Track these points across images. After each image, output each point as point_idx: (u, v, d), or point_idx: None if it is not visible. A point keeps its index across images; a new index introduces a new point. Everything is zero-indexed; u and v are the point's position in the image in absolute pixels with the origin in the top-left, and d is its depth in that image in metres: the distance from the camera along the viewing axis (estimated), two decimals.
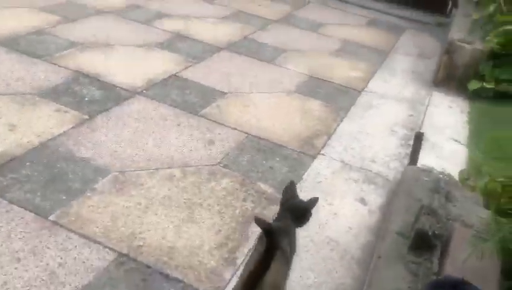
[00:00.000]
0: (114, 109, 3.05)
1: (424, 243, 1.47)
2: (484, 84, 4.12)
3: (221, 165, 2.69)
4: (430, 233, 1.47)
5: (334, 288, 1.98)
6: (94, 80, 3.36)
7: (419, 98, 4.08)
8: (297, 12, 5.93)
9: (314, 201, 1.75)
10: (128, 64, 3.72)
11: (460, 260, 1.37)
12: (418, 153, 2.55)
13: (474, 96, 4.14)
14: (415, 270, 1.38)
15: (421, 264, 1.42)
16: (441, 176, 2.20)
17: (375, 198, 2.62)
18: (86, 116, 2.90)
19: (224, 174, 2.60)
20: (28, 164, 2.39)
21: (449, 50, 4.27)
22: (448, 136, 3.45)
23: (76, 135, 2.70)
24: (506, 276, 1.42)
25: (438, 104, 4.00)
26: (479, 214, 1.75)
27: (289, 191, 1.82)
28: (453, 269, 1.35)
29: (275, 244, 1.41)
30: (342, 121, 3.44)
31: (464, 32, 4.53)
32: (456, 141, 3.38)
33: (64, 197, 2.21)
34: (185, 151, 2.75)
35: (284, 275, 1.60)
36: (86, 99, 3.10)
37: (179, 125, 3.01)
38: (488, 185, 1.95)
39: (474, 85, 4.14)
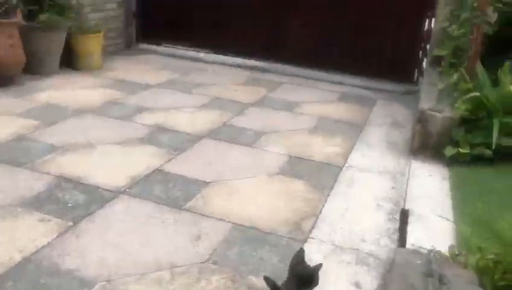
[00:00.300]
0: (98, 212, 3.02)
1: None
2: (459, 149, 4.24)
3: (210, 261, 2.64)
4: None
5: None
6: (76, 183, 3.36)
7: (399, 168, 4.16)
8: (272, 94, 6.13)
9: (319, 266, 2.01)
10: (110, 163, 3.74)
11: None
12: (406, 233, 2.56)
13: (452, 162, 4.24)
14: None
15: None
16: (432, 254, 2.20)
17: (370, 280, 2.58)
18: (70, 223, 2.86)
19: (214, 272, 2.55)
20: (10, 283, 2.31)
21: (421, 119, 4.43)
22: (433, 206, 3.48)
23: (61, 245, 2.64)
24: None
25: (419, 174, 4.07)
26: None
27: (297, 257, 2.04)
28: None
29: None
30: (326, 200, 3.46)
31: (433, 101, 4.72)
32: (441, 211, 3.40)
33: None
34: (172, 250, 2.70)
35: None
36: (69, 205, 3.07)
37: (164, 222, 2.98)
38: (479, 262, 1.95)
39: (450, 151, 4.26)
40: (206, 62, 7.40)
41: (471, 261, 2.02)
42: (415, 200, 3.58)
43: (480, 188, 3.83)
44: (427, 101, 4.71)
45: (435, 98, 4.84)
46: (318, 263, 2.00)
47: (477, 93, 4.34)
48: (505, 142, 4.23)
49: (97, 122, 4.60)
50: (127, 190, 3.34)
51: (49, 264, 2.48)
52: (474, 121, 4.34)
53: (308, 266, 2.00)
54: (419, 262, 1.91)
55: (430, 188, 3.81)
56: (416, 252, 1.98)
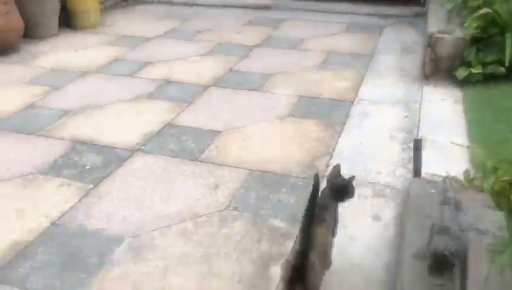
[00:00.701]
0: (116, 171, 3.08)
1: (443, 264, 1.47)
2: (471, 70, 4.14)
3: (230, 208, 2.70)
4: (446, 253, 1.48)
5: None
6: (91, 145, 3.40)
7: (411, 96, 4.10)
8: (276, 32, 5.99)
9: (351, 178, 2.10)
10: (122, 122, 3.77)
11: (481, 274, 1.38)
12: (420, 162, 2.56)
13: (464, 84, 4.16)
14: None
15: (444, 286, 1.42)
16: (447, 181, 2.21)
17: (388, 211, 2.62)
18: (91, 185, 2.93)
19: (235, 218, 2.61)
20: (41, 248, 2.41)
21: (431, 43, 4.31)
22: (447, 131, 3.46)
23: (84, 207, 2.73)
24: None
25: (431, 99, 4.02)
26: (491, 218, 1.76)
27: (334, 171, 2.12)
28: (476, 286, 1.36)
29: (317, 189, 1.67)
30: (340, 136, 3.46)
31: (442, 22, 4.57)
32: (455, 135, 3.38)
33: (83, 276, 2.23)
34: (193, 201, 2.76)
35: (329, 241, 1.91)
36: (87, 167, 3.13)
37: (181, 175, 3.03)
38: (494, 185, 1.96)
39: (462, 73, 4.17)
40: (206, 6, 7.21)
41: (486, 184, 2.03)
42: (428, 127, 3.55)
43: (494, 108, 3.77)
44: (435, 24, 4.56)
45: (443, 19, 4.68)
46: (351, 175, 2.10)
47: (488, 10, 4.17)
48: None
49: (103, 81, 4.59)
50: (142, 147, 3.38)
51: (76, 226, 2.57)
52: (485, 39, 4.21)
53: (344, 178, 2.09)
54: (434, 191, 1.93)
55: (444, 113, 3.77)
56: (431, 181, 1.99)
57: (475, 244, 1.50)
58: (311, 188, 1.70)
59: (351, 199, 2.12)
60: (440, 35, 4.27)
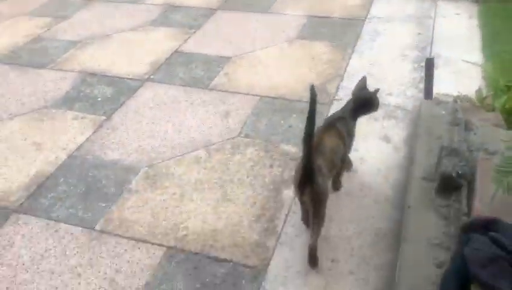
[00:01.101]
0: (128, 102, 3.10)
1: (450, 185, 1.50)
2: None
3: (242, 135, 2.74)
4: (454, 174, 1.50)
5: (373, 234, 2.06)
6: (101, 77, 3.40)
7: (425, 11, 3.95)
8: None
9: (376, 91, 2.16)
10: (130, 51, 3.73)
11: (488, 194, 1.41)
12: (432, 82, 2.52)
13: None
14: (446, 214, 1.43)
15: (451, 207, 1.46)
16: (458, 101, 2.19)
17: (398, 132, 2.64)
18: (104, 117, 2.97)
19: (247, 145, 2.66)
20: (62, 179, 2.51)
21: None
22: (461, 48, 3.37)
23: (100, 139, 2.79)
24: None
25: (445, 14, 3.88)
26: (501, 137, 1.76)
27: (360, 84, 2.17)
28: (482, 206, 1.39)
29: (314, 108, 1.71)
30: (350, 58, 3.40)
31: None
32: (469, 53, 3.29)
33: (104, 205, 2.33)
34: (205, 130, 2.80)
35: (339, 145, 1.98)
36: (99, 99, 3.16)
37: (192, 104, 3.05)
38: (506, 104, 1.94)
39: None
40: None
41: (497, 103, 2.01)
42: (442, 44, 3.46)
43: (510, 24, 3.63)
44: None
45: None
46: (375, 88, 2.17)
47: None
48: None
49: (108, 9, 4.48)
50: (151, 76, 3.37)
51: (93, 157, 2.65)
52: None
53: (368, 91, 2.16)
54: (444, 112, 1.92)
55: (458, 29, 3.66)
56: (441, 102, 1.97)
57: (483, 165, 1.52)
58: (309, 99, 1.77)
59: (374, 112, 2.22)
60: None
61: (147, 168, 2.55)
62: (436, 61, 3.15)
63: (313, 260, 1.90)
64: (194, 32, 3.93)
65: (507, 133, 1.79)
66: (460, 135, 1.77)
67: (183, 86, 3.24)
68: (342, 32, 3.73)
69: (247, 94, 3.10)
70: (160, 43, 3.80)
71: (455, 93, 2.68)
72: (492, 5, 3.89)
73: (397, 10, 3.99)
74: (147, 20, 4.18)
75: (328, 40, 3.63)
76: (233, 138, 2.72)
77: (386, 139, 2.62)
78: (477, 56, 3.26)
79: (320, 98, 2.97)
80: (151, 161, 2.59)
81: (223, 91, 3.15)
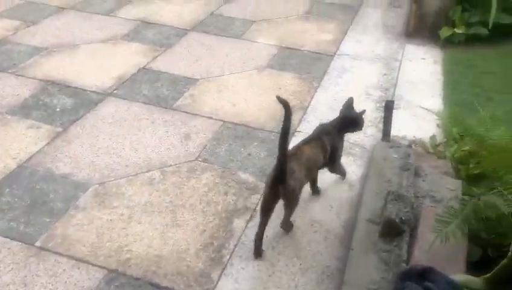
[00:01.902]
0: (87, 115, 3.04)
1: (393, 230, 1.52)
2: (455, 30, 4.10)
3: (200, 159, 2.71)
4: (397, 220, 1.51)
5: (319, 272, 2.05)
6: (63, 87, 3.33)
7: (393, 53, 4.06)
8: None
9: (362, 112, 2.31)
10: (96, 63, 3.67)
11: (428, 242, 1.42)
12: (390, 124, 2.58)
13: (446, 44, 4.13)
14: (386, 259, 1.44)
15: (392, 252, 1.47)
16: (412, 146, 2.24)
17: (354, 170, 2.66)
18: (60, 129, 2.90)
19: (204, 169, 2.63)
20: (7, 190, 2.41)
21: None
22: (422, 93, 3.47)
23: (53, 151, 2.71)
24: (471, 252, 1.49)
25: (411, 58, 3.99)
26: (448, 186, 1.80)
27: (347, 103, 2.33)
28: (421, 254, 1.41)
29: (290, 115, 1.90)
30: (316, 91, 3.44)
31: None
32: (430, 98, 3.39)
33: (48, 220, 2.25)
34: (162, 151, 2.76)
35: (319, 155, 2.17)
36: (58, 109, 3.08)
37: (153, 123, 3.01)
38: (455, 153, 1.99)
39: (445, 32, 4.12)
40: None
41: (448, 151, 2.06)
42: (405, 87, 3.55)
43: (473, 71, 3.77)
44: None
45: None
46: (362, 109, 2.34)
47: None
48: (503, 19, 4.08)
49: (80, 19, 4.42)
50: (115, 91, 3.32)
51: (44, 170, 2.56)
52: None
53: (355, 111, 2.32)
54: (396, 156, 1.95)
55: (422, 73, 3.76)
56: (395, 145, 2.01)
57: (427, 213, 1.55)
58: (284, 112, 1.94)
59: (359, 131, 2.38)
60: None
61: (97, 185, 2.48)
62: (397, 103, 3.23)
63: (287, 229, 2.18)
64: (164, 50, 3.91)
65: (454, 182, 1.83)
66: (409, 180, 1.79)
67: (146, 103, 3.20)
68: (310, 65, 3.79)
69: (210, 118, 3.08)
70: (128, 58, 3.76)
71: (412, 137, 2.75)
72: (456, 53, 4.03)
73: (366, 49, 4.09)
74: (118, 33, 4.14)
75: (296, 72, 3.68)
76: (190, 161, 2.69)
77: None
78: (436, 102, 3.35)
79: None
80: (103, 179, 2.53)
81: (186, 112, 3.13)
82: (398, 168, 1.87)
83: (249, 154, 2.78)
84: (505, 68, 3.78)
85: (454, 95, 3.43)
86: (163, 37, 4.13)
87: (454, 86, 3.55)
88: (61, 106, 3.12)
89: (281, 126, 1.92)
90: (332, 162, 2.32)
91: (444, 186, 1.79)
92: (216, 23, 4.46)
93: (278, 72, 3.68)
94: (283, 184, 1.96)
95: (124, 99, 3.23)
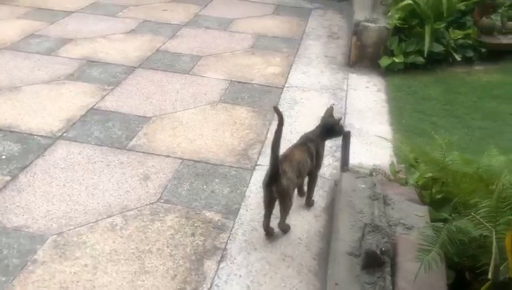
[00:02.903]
0: (37, 162, 2.88)
1: (374, 262, 1.55)
2: (394, 59, 4.34)
3: (162, 201, 2.64)
4: (378, 252, 1.55)
5: None
6: (7, 132, 3.15)
7: (338, 83, 4.22)
8: (205, 11, 5.86)
9: (339, 119, 2.56)
10: (41, 106, 3.51)
11: (410, 271, 1.47)
12: (348, 154, 2.67)
13: (387, 72, 4.36)
14: None
15: (376, 284, 1.50)
16: (374, 174, 2.31)
17: (317, 200, 2.70)
18: (8, 178, 2.72)
19: (167, 211, 2.56)
20: None
21: (357, 31, 4.44)
22: (371, 120, 3.62)
23: (2, 202, 2.53)
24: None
25: (356, 87, 4.16)
26: (416, 213, 1.87)
27: (328, 112, 2.52)
28: (407, 284, 1.44)
29: (282, 122, 2.16)
30: (271, 124, 3.49)
31: (367, 11, 4.71)
32: (379, 124, 3.54)
33: (3, 279, 2.08)
34: (122, 194, 2.66)
35: (307, 159, 2.37)
36: (3, 157, 2.90)
37: (108, 165, 2.90)
38: (419, 181, 2.08)
39: (385, 62, 4.35)
40: None
41: (411, 179, 2.15)
42: (354, 115, 3.69)
43: (414, 97, 4.00)
44: (361, 12, 4.70)
45: (368, 8, 4.83)
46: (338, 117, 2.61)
47: (410, 1, 4.36)
48: (436, 48, 4.38)
49: (19, 59, 4.23)
50: (64, 134, 3.18)
51: None
52: (407, 29, 4.41)
53: (333, 119, 2.53)
54: (363, 186, 2.01)
55: (368, 101, 3.93)
56: (360, 176, 2.07)
57: (403, 241, 1.59)
58: (277, 119, 2.21)
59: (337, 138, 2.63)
60: (366, 24, 4.41)
61: (55, 236, 2.34)
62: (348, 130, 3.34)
63: (283, 230, 2.38)
64: (113, 89, 3.82)
65: (421, 208, 1.91)
66: (380, 209, 1.85)
67: (99, 145, 3.09)
68: (262, 98, 3.84)
69: (168, 156, 3.03)
70: (75, 98, 3.63)
71: (368, 164, 2.85)
72: (397, 80, 4.26)
73: (313, 81, 4.22)
74: (62, 73, 4.00)
75: (249, 106, 3.71)
76: (152, 204, 2.61)
77: (306, 207, 2.66)
78: (385, 129, 3.50)
79: (243, 164, 3.02)
80: (61, 228, 2.39)
81: (142, 152, 3.05)
82: (367, 198, 1.93)
83: (212, 192, 2.74)
84: (443, 93, 4.04)
85: (401, 120, 3.61)
86: (110, 75, 4.04)
87: (399, 112, 3.74)
88: (7, 153, 2.94)
89: (274, 131, 2.19)
90: (317, 168, 2.53)
91: (412, 213, 1.86)
92: (163, 59, 4.43)
93: (231, 106, 3.70)
94: (277, 184, 2.18)
95: (75, 142, 3.11)
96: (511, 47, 4.69)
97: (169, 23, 5.35)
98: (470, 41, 4.52)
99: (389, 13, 4.51)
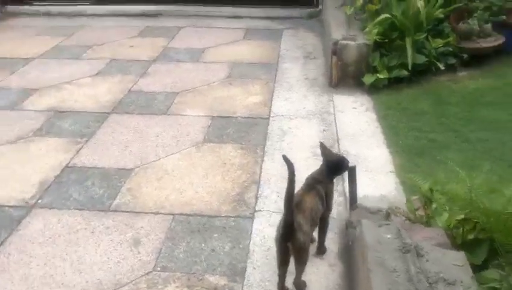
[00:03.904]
0: (10, 239, 2.56)
1: None
2: (378, 75, 4.18)
3: (159, 268, 2.35)
4: None
5: None
6: None
7: (324, 107, 4.02)
8: (173, 43, 5.62)
9: (344, 156, 2.45)
10: (9, 170, 3.18)
11: None
12: (356, 190, 2.47)
13: (372, 89, 4.20)
14: None
15: None
16: (392, 215, 2.11)
17: (329, 245, 2.46)
18: None
19: (166, 281, 2.28)
20: None
21: (336, 50, 4.27)
22: (366, 143, 3.43)
23: None
24: None
25: (343, 109, 3.98)
26: (454, 262, 1.66)
27: (323, 148, 2.34)
28: None
29: (294, 175, 1.97)
30: (263, 160, 3.25)
31: (343, 28, 4.56)
32: (376, 148, 3.35)
33: None
34: (112, 266, 2.37)
35: (318, 204, 2.19)
36: None
37: (93, 232, 2.60)
38: (450, 224, 1.88)
39: (369, 79, 4.19)
40: (89, 16, 6.60)
41: (439, 222, 1.95)
42: (347, 140, 3.49)
43: (405, 113, 3.84)
44: (337, 30, 4.55)
45: (344, 25, 4.69)
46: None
47: (387, 15, 4.23)
48: (418, 59, 4.25)
49: None
50: (39, 201, 2.87)
51: None
52: (387, 43, 4.28)
53: (335, 155, 2.43)
54: (389, 237, 1.79)
55: (359, 123, 3.74)
56: (382, 224, 1.86)
57: None
58: (288, 171, 1.99)
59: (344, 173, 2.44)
60: (345, 42, 4.25)
61: None
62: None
63: (299, 287, 2.16)
64: (87, 141, 3.52)
65: (456, 254, 1.70)
66: (415, 265, 1.63)
67: (79, 209, 2.79)
68: (248, 132, 3.61)
69: (157, 213, 2.75)
70: (46, 157, 3.32)
71: (374, 195, 2.68)
72: (383, 97, 4.09)
73: (297, 107, 4.01)
74: (29, 129, 3.68)
75: (236, 142, 3.47)
76: (148, 274, 2.33)
77: (318, 255, 2.42)
78: (384, 152, 3.31)
79: (240, 211, 2.76)
80: None
81: (128, 212, 2.76)
82: (397, 251, 1.71)
83: (213, 250, 2.47)
84: (433, 106, 3.90)
85: (397, 141, 3.43)
86: (82, 125, 3.74)
87: (394, 132, 3.56)
88: None
89: (287, 185, 1.99)
90: (328, 211, 2.35)
91: (450, 264, 1.65)
92: (137, 101, 4.16)
93: (217, 145, 3.45)
94: (293, 241, 2.01)
95: (52, 209, 2.79)
96: (491, 50, 4.61)
97: (138, 60, 5.09)
98: (451, 49, 4.42)
99: (366, 29, 4.36)
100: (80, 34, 5.92)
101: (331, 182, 2.37)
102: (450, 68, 4.42)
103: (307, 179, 2.32)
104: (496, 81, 4.29)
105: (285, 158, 2.04)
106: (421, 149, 3.30)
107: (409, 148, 3.32)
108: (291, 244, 2.02)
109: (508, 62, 4.61)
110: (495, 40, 4.63)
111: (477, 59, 4.54)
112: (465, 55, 4.49)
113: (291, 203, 1.99)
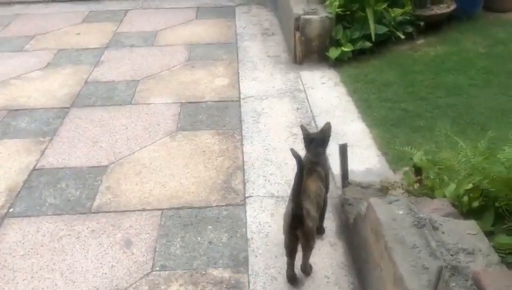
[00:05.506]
0: None
1: None
2: (342, 48, 4.18)
3: (158, 268, 2.25)
4: None
5: None
6: None
7: (293, 84, 3.98)
8: (122, 27, 5.33)
9: (328, 126, 2.35)
10: None
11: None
12: (347, 168, 2.47)
13: (337, 63, 4.19)
14: None
15: None
16: (389, 188, 2.12)
17: (326, 224, 2.45)
18: None
19: (168, 280, 2.18)
20: None
21: (299, 26, 4.21)
22: (342, 117, 3.43)
23: None
24: None
25: (312, 85, 3.95)
26: (468, 231, 1.68)
27: (305, 131, 2.32)
28: None
29: (303, 167, 1.96)
30: (242, 144, 3.18)
31: (303, 3, 4.49)
32: (352, 123, 3.36)
33: None
34: (107, 272, 2.23)
35: (321, 187, 2.18)
36: None
37: (78, 238, 2.44)
38: (460, 193, 1.90)
39: (334, 53, 4.18)
40: (24, 3, 6.10)
41: (447, 192, 1.97)
42: (322, 117, 3.45)
43: (373, 85, 3.86)
44: (297, 5, 4.46)
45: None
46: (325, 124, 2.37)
47: None
48: (379, 30, 4.27)
49: None
50: (10, 209, 2.65)
51: None
52: (349, 15, 4.26)
53: (318, 132, 2.39)
54: (401, 213, 1.79)
55: (331, 99, 3.72)
56: (392, 201, 1.85)
57: (488, 279, 1.40)
58: (296, 164, 1.96)
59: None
60: (307, 17, 4.19)
61: None
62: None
63: (307, 272, 2.15)
64: (51, 139, 3.28)
65: (468, 223, 1.73)
66: (434, 239, 1.64)
67: (58, 214, 2.60)
68: (221, 116, 3.51)
69: (144, 210, 2.62)
70: (9, 161, 3.06)
71: (360, 169, 2.70)
72: (350, 70, 4.10)
73: (266, 86, 3.94)
74: None
75: (211, 128, 3.36)
76: (147, 275, 2.22)
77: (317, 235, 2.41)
78: (360, 125, 3.33)
79: (231, 199, 2.69)
80: None
81: (112, 212, 2.61)
82: (413, 227, 1.71)
83: (210, 243, 2.39)
84: (400, 76, 3.95)
85: (372, 113, 3.45)
86: (42, 123, 3.48)
87: (366, 105, 3.58)
88: None
89: (295, 178, 1.97)
90: (327, 192, 2.32)
91: (464, 233, 1.67)
92: (96, 92, 3.92)
93: (192, 132, 3.32)
94: (302, 227, 1.98)
95: (28, 217, 2.59)
96: (445, 16, 4.72)
97: (88, 48, 4.79)
98: (408, 17, 4.48)
99: (327, 2, 4.32)
100: (17, 24, 5.49)
101: (327, 162, 2.35)
102: (408, 36, 4.49)
103: (306, 163, 2.23)
104: (452, 47, 4.41)
105: (293, 152, 1.98)
106: (396, 120, 3.34)
107: (384, 120, 3.36)
108: (301, 232, 1.99)
109: (460, 28, 4.74)
110: (447, 7, 4.74)
111: (433, 26, 4.64)
112: (422, 23, 4.57)
113: (300, 196, 1.96)
